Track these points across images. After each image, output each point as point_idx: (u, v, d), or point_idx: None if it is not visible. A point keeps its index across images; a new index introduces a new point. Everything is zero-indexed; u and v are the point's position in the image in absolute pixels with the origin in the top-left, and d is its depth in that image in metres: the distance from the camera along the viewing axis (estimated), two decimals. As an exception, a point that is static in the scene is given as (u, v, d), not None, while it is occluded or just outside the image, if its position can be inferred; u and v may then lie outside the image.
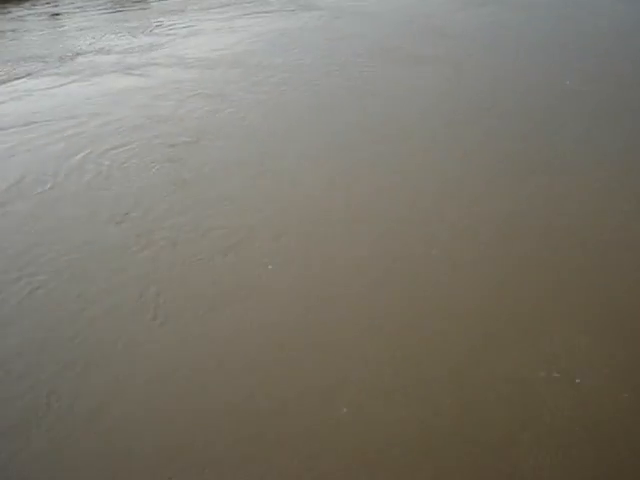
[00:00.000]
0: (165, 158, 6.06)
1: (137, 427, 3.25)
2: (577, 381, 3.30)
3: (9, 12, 13.64)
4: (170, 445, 3.12)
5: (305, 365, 3.55)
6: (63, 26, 12.53)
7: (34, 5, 14.22)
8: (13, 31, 12.07)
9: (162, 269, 4.46)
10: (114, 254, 4.66)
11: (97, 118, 7.11)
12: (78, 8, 13.93)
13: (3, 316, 4.12)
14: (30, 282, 4.42)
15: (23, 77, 9.30)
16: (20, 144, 6.63)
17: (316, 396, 3.32)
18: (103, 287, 4.31)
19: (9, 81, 9.12)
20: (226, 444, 3.10)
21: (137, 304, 4.10)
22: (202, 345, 3.76)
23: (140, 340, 3.82)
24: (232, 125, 6.89)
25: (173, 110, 7.28)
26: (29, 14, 13.51)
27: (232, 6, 13.15)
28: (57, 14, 13.56)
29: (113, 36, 11.09)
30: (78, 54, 10.07)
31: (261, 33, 10.79)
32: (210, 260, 4.53)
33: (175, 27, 11.58)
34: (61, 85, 8.49)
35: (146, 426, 3.26)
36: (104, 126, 6.87)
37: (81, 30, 11.78)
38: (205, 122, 6.97)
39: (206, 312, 4.01)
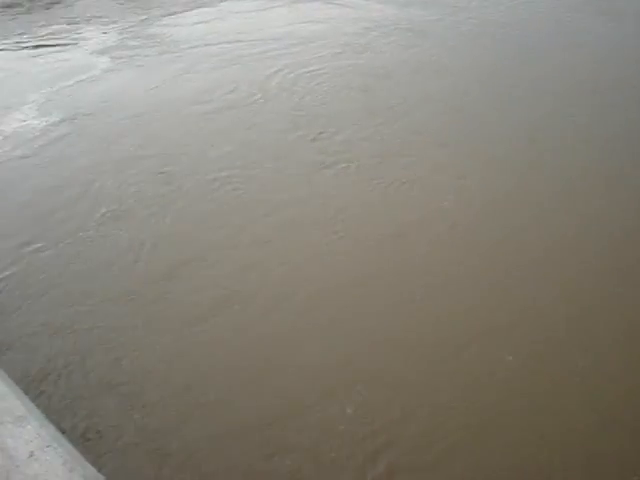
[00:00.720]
0: (357, 86, 6.07)
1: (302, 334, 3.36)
2: None
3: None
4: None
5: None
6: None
7: None
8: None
9: (346, 188, 4.54)
10: (304, 169, 4.79)
11: (296, 42, 7.26)
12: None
13: (197, 210, 4.43)
14: (224, 184, 4.71)
15: (228, 0, 9.76)
16: (228, 58, 6.99)
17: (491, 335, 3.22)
18: (298, 197, 4.47)
19: (215, 3, 9.62)
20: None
21: (320, 217, 4.22)
22: (383, 264, 3.79)
23: (320, 250, 3.92)
24: (423, 61, 6.71)
25: (368, 41, 7.22)
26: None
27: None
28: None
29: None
30: (281, -18, 10.29)
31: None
32: (389, 186, 4.54)
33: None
34: (264, 9, 8.78)
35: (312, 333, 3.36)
36: (303, 50, 7.01)
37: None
38: (398, 55, 6.83)
39: (382, 236, 4.03)
